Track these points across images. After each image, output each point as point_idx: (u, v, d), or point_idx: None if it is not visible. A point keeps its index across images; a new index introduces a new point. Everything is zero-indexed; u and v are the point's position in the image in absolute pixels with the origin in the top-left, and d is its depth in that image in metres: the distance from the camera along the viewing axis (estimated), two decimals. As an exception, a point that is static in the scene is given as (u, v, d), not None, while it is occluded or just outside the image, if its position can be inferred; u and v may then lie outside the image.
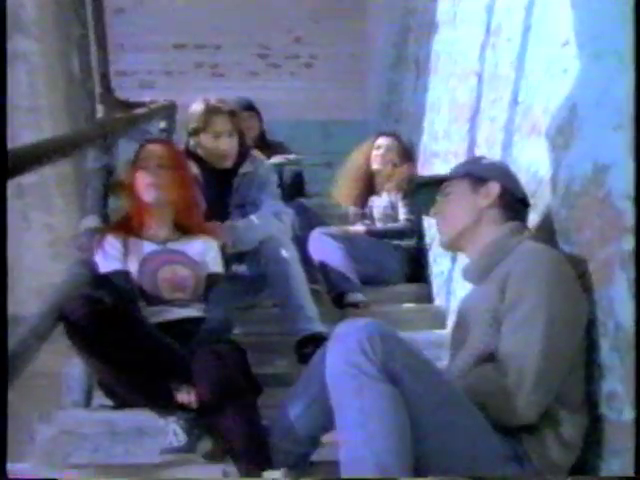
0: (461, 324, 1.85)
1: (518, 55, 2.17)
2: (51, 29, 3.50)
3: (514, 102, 2.20)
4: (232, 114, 2.93)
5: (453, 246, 1.99)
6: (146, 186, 2.43)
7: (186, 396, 2.08)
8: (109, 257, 2.39)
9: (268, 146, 4.02)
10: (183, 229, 2.51)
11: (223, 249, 2.65)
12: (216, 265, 2.50)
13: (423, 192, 2.08)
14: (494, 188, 1.89)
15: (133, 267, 2.37)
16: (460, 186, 1.94)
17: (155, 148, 2.51)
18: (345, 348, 1.53)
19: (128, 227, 2.48)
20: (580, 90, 1.70)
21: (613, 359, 1.53)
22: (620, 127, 1.48)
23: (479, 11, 2.62)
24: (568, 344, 1.61)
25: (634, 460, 1.40)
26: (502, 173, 1.95)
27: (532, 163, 2.01)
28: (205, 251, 2.48)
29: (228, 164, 2.92)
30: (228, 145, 2.89)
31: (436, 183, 2.02)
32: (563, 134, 1.78)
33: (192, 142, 2.95)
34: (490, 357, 1.66)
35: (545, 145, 1.91)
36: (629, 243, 1.44)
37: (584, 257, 1.67)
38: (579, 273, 1.67)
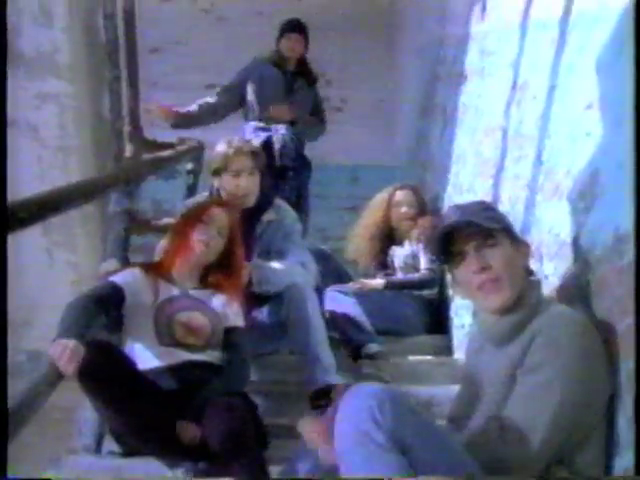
0: (474, 382, 1.81)
1: (543, 114, 2.16)
2: (84, 72, 3.56)
3: (538, 161, 2.18)
4: (253, 154, 2.97)
5: None
6: (199, 241, 2.50)
7: (190, 432, 2.08)
8: (118, 276, 2.47)
9: (307, 72, 4.23)
10: (210, 283, 2.53)
11: (248, 287, 2.68)
12: (237, 319, 2.50)
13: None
14: (529, 248, 1.80)
15: (154, 307, 2.39)
16: (504, 240, 1.73)
17: (220, 214, 2.58)
18: (355, 415, 1.50)
19: (158, 269, 2.54)
20: (602, 155, 1.68)
21: (629, 435, 1.49)
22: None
23: (506, 66, 2.61)
24: (581, 420, 1.57)
25: (634, 460, 1.39)
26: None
27: (554, 225, 1.99)
28: (227, 305, 2.49)
29: (249, 203, 2.94)
30: (248, 183, 2.92)
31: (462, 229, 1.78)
32: (584, 199, 1.76)
33: (216, 184, 2.99)
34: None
35: (567, 208, 1.89)
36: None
37: (611, 323, 1.61)
38: (603, 339, 1.62)
